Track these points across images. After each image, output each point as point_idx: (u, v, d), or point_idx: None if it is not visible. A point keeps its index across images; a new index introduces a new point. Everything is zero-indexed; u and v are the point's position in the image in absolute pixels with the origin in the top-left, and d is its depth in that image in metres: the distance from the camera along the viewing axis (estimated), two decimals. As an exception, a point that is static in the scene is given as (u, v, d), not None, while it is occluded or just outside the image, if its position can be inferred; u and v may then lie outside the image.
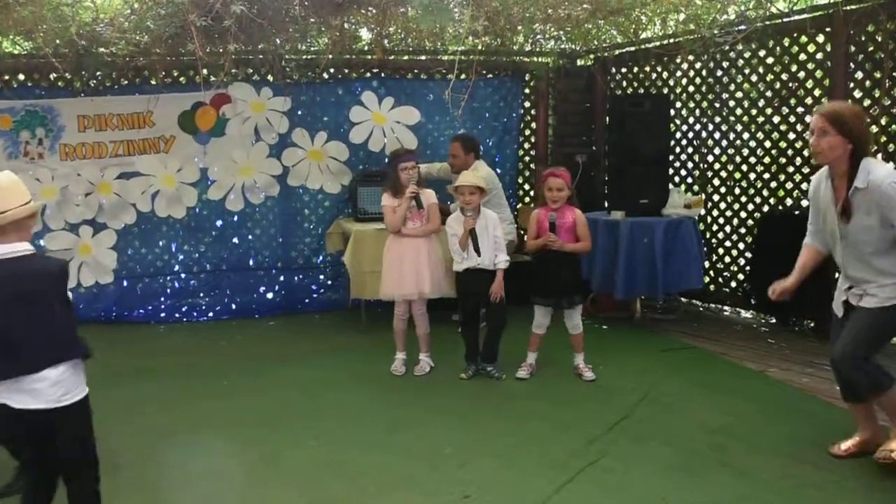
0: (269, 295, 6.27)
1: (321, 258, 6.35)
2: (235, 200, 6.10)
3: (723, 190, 6.09)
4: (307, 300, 6.32)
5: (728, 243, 6.11)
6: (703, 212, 6.10)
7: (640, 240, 5.33)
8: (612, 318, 5.83)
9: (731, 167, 5.98)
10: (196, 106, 5.90)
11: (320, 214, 6.31)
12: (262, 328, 5.82)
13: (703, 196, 6.10)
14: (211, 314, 6.13)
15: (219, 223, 6.13)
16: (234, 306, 6.18)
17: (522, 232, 6.38)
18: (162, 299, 6.07)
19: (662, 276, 5.28)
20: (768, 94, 5.63)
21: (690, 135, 6.27)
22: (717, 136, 6.06)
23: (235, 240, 6.18)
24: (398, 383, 4.40)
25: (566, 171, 4.36)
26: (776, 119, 5.62)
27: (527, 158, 6.94)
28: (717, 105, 5.98)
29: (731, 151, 5.97)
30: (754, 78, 5.72)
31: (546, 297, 4.36)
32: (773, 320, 5.70)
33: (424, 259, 4.42)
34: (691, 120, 6.23)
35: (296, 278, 6.31)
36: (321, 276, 6.38)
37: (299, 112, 6.11)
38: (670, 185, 5.94)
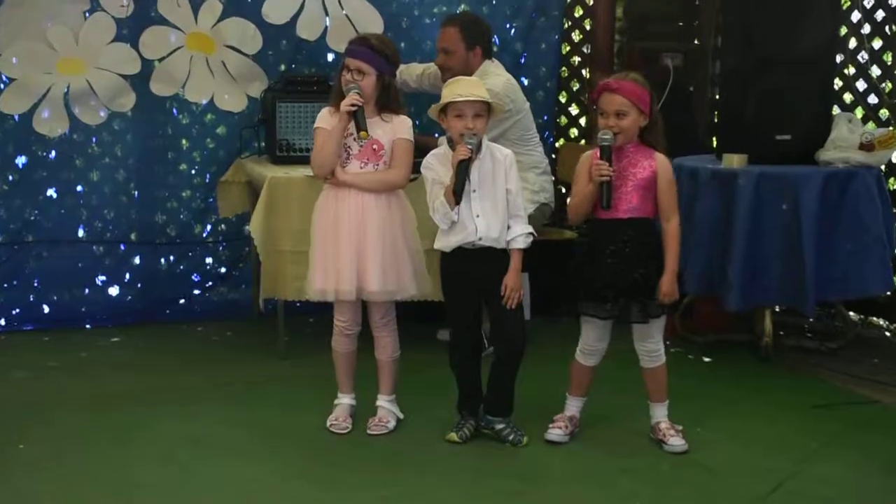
0: (114, 290, 6.26)
1: (209, 227, 6.39)
2: (53, 118, 5.99)
3: (938, 118, 6.03)
4: (183, 300, 6.36)
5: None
6: None
7: (776, 206, 5.28)
8: (722, 343, 5.82)
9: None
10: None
11: (210, 150, 6.32)
12: (100, 348, 5.77)
13: (899, 129, 5.84)
14: (2, 322, 6.08)
15: (20, 159, 6.06)
16: (47, 309, 6.16)
17: (564, 190, 6.37)
18: None
19: (815, 274, 5.21)
20: None
21: (880, 15, 6.15)
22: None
23: (52, 191, 6.13)
24: (339, 448, 4.35)
25: (637, 81, 4.26)
26: None
27: (576, 60, 7.01)
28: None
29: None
30: None
31: (599, 301, 4.27)
32: None
33: (375, 231, 4.37)
34: None
35: (163, 262, 6.33)
36: (209, 260, 6.43)
37: (172, -38, 5.99)
38: (835, 109, 5.87)
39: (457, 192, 4.12)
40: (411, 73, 5.90)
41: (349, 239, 4.34)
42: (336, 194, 4.38)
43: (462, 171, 4.11)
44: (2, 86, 5.88)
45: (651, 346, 4.30)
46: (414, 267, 4.47)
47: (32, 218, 6.05)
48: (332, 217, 4.38)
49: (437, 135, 5.59)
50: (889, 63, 6.17)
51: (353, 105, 4.25)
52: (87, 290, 6.14)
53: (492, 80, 5.31)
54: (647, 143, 4.24)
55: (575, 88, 6.97)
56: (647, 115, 4.19)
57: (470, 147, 4.12)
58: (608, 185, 4.13)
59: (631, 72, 4.37)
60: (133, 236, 6.18)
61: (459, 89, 4.21)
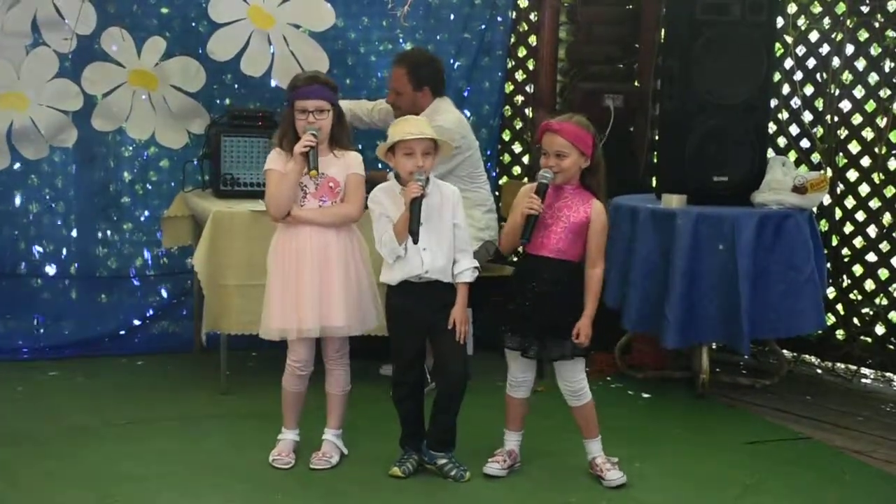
0: (53, 323, 6.25)
1: (150, 260, 6.40)
2: None
3: (866, 162, 6.07)
4: (123, 333, 6.33)
5: (873, 257, 6.11)
6: (827, 200, 6.07)
7: (712, 246, 5.36)
8: (659, 380, 5.87)
9: (884, 122, 5.94)
10: None
11: (153, 183, 6.36)
12: (37, 382, 5.70)
13: (829, 173, 6.02)
14: (-65, 355, 6.04)
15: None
16: None
17: (503, 225, 6.39)
18: None
19: (749, 312, 5.29)
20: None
21: (811, 63, 6.22)
22: (860, 65, 6.06)
23: None
24: (283, 484, 4.34)
25: (580, 123, 4.29)
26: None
27: (519, 99, 7.02)
28: (867, 9, 5.94)
29: (886, 93, 5.93)
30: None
31: (516, 333, 4.34)
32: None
33: (339, 266, 4.39)
34: (814, 37, 6.21)
35: (103, 296, 6.31)
36: (150, 293, 6.41)
37: (116, -2, 6.07)
38: (770, 153, 5.92)
39: (413, 231, 4.12)
40: (362, 108, 5.91)
41: (311, 276, 4.34)
42: (296, 233, 4.38)
43: (416, 209, 4.12)
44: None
45: (574, 385, 4.32)
46: (373, 300, 4.51)
47: (-32, 250, 6.09)
48: (294, 255, 4.37)
49: (388, 170, 5.61)
50: (820, 109, 6.19)
51: (306, 146, 4.27)
52: (24, 323, 6.13)
53: (443, 117, 5.41)
54: (588, 186, 4.27)
55: (518, 127, 6.98)
56: (588, 157, 4.22)
57: (420, 184, 4.15)
58: (534, 219, 4.17)
59: (576, 114, 4.40)
60: (73, 268, 6.18)
61: (409, 128, 4.24)
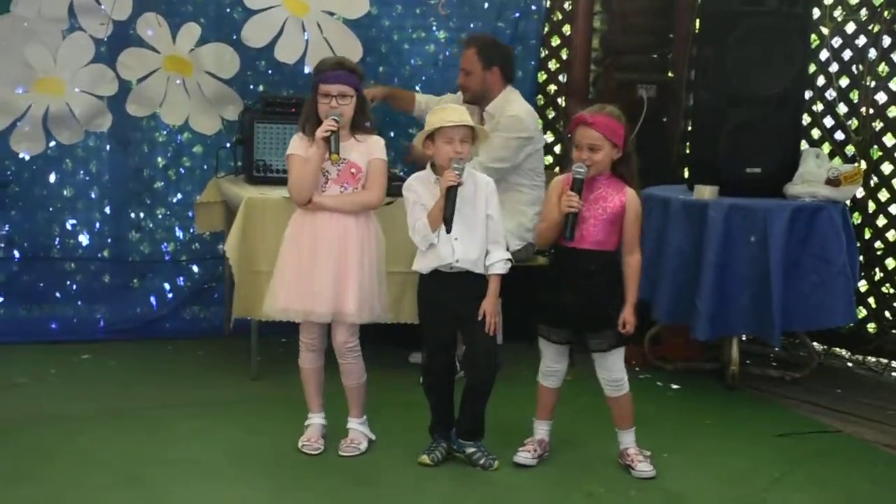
0: (85, 307, 6.27)
1: (182, 245, 6.43)
2: (30, 138, 6.02)
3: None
4: (155, 319, 6.34)
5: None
6: (861, 192, 6.06)
7: (744, 238, 5.36)
8: (689, 371, 5.87)
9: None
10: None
11: (186, 169, 6.38)
12: (70, 365, 5.73)
13: (863, 165, 6.03)
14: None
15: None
16: (16, 323, 6.13)
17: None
18: None
19: (781, 304, 5.28)
20: None
21: (847, 56, 6.23)
22: (896, 56, 6.05)
23: (25, 207, 6.14)
24: (312, 470, 4.34)
25: (612, 115, 4.28)
26: None
27: (552, 89, 7.04)
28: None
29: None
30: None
31: (555, 325, 4.32)
32: None
33: (355, 253, 4.39)
34: (850, 28, 6.21)
35: (135, 280, 6.34)
36: (181, 278, 6.44)
37: (152, -17, 6.05)
38: (803, 145, 5.93)
39: (447, 219, 4.11)
40: (431, 102, 5.90)
41: (328, 262, 4.34)
42: (314, 217, 4.37)
43: (452, 197, 4.11)
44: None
45: (614, 375, 4.32)
46: (382, 289, 4.50)
47: (2, 232, 6.07)
48: (311, 239, 4.37)
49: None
50: (855, 101, 6.20)
51: (328, 130, 4.26)
52: (57, 306, 6.16)
53: (515, 107, 5.53)
54: (620, 175, 4.25)
55: (550, 116, 6.98)
56: (620, 149, 4.21)
57: (458, 173, 4.12)
58: (574, 216, 4.14)
59: (607, 105, 4.38)
60: (105, 252, 6.22)
61: (448, 115, 4.22)
